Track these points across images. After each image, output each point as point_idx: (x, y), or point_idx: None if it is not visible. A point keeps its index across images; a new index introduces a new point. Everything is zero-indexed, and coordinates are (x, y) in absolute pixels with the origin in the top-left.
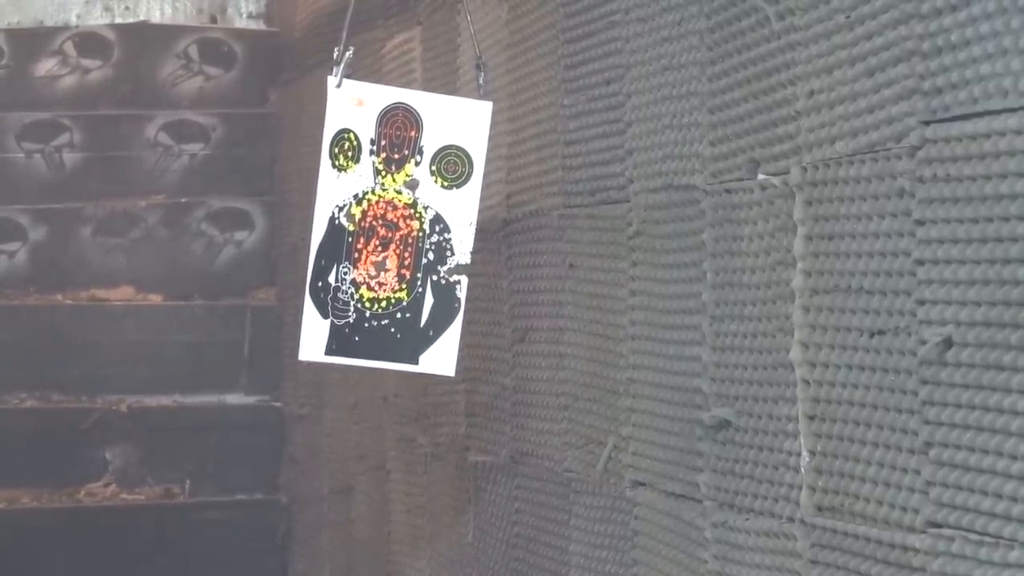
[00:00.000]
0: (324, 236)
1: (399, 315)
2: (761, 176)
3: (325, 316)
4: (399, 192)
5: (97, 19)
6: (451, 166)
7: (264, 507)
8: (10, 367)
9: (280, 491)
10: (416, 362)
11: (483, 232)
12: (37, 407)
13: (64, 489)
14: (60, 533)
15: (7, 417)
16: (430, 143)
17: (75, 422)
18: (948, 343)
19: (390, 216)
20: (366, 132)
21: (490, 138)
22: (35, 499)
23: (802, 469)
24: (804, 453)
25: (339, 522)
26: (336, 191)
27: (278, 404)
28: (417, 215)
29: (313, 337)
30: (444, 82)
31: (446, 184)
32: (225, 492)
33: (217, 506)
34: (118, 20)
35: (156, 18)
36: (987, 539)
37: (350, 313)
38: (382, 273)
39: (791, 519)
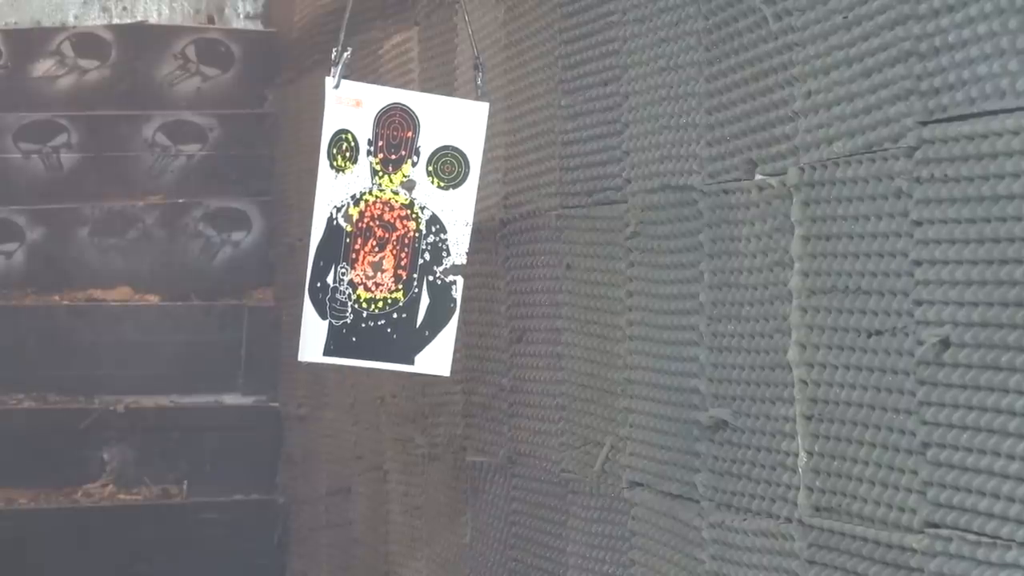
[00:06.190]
0: (322, 237)
1: (395, 315)
2: (758, 176)
3: (323, 317)
4: (396, 193)
5: (94, 19)
6: (447, 167)
7: (262, 507)
8: (7, 367)
9: (278, 491)
10: (412, 362)
11: (480, 232)
12: (34, 407)
13: (61, 489)
14: (57, 534)
15: (4, 417)
16: (427, 144)
17: (72, 422)
18: (945, 343)
19: (387, 217)
20: (363, 132)
21: (487, 138)
22: (32, 500)
23: (800, 469)
24: (802, 453)
25: (337, 522)
26: (334, 192)
27: (275, 404)
28: (414, 216)
29: (312, 338)
30: (442, 82)
31: (442, 185)
32: (223, 492)
33: (215, 506)
34: (115, 20)
35: (153, 18)
36: (984, 539)
37: (347, 314)
38: (379, 273)
39: (788, 519)
